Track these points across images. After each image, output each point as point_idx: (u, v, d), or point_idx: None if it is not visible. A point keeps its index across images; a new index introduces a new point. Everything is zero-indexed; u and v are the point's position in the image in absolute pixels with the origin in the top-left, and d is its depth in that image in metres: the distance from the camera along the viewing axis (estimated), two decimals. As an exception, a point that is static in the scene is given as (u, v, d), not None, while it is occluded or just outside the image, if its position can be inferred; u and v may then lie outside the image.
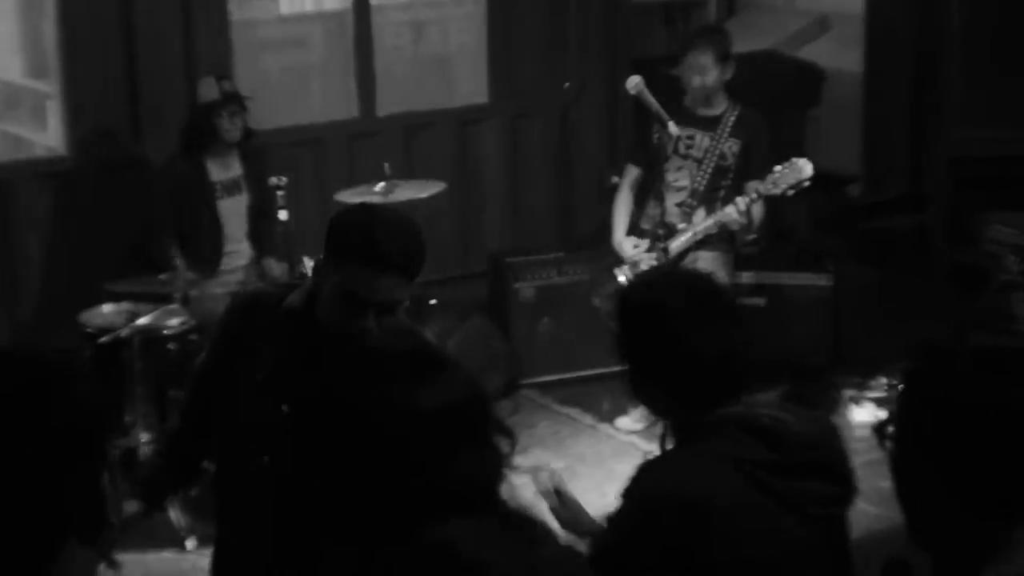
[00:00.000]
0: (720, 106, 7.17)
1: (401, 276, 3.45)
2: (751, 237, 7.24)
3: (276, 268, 7.31)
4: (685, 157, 7.14)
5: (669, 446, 3.19)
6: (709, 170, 7.12)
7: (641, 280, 4.64)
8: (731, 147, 7.13)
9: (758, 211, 7.01)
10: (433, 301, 7.53)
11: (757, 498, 2.95)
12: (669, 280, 3.50)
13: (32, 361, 2.09)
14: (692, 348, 3.04)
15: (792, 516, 2.98)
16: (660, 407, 3.21)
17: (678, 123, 6.90)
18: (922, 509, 2.29)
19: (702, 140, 7.13)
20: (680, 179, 7.16)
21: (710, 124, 7.14)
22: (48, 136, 8.51)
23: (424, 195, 7.39)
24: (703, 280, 3.40)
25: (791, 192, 6.90)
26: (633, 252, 7.17)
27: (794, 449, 2.99)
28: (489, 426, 2.33)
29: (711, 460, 2.97)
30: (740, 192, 6.98)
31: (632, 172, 7.33)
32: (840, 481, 3.07)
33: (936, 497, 2.25)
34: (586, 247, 8.27)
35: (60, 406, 2.02)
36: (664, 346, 3.08)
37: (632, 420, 7.45)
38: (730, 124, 7.14)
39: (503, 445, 2.32)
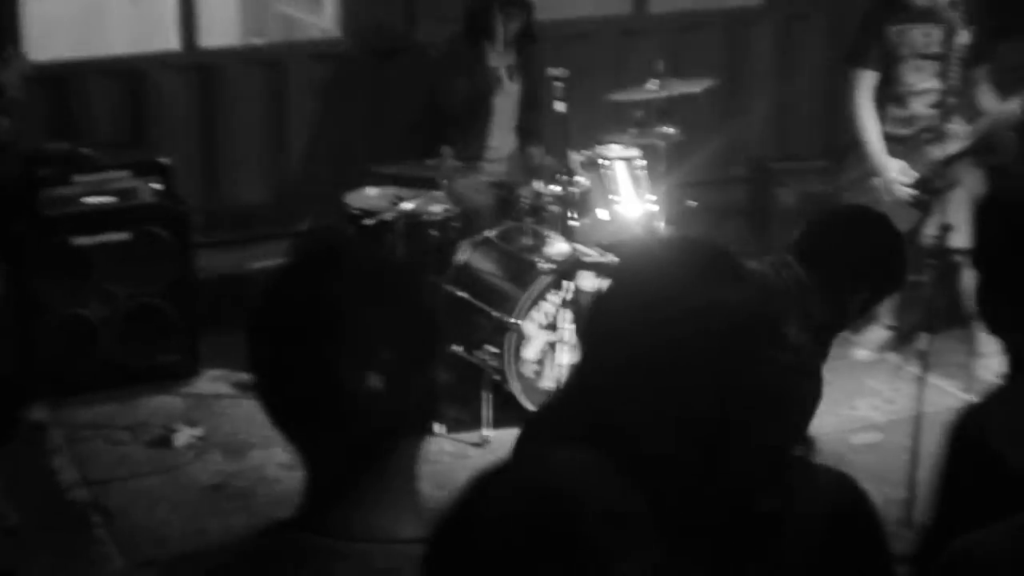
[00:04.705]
0: None
1: None
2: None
3: (539, 156, 7.33)
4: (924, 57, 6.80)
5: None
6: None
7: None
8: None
9: None
10: (693, 203, 7.46)
11: None
12: None
13: None
14: None
15: None
16: (1004, 325, 2.69)
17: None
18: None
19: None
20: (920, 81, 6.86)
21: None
22: (323, 18, 8.64)
23: (697, 90, 7.34)
24: None
25: None
26: (897, 175, 6.85)
27: None
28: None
29: None
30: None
31: (868, 77, 6.93)
32: None
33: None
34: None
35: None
36: None
37: (865, 351, 7.27)
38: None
39: None
